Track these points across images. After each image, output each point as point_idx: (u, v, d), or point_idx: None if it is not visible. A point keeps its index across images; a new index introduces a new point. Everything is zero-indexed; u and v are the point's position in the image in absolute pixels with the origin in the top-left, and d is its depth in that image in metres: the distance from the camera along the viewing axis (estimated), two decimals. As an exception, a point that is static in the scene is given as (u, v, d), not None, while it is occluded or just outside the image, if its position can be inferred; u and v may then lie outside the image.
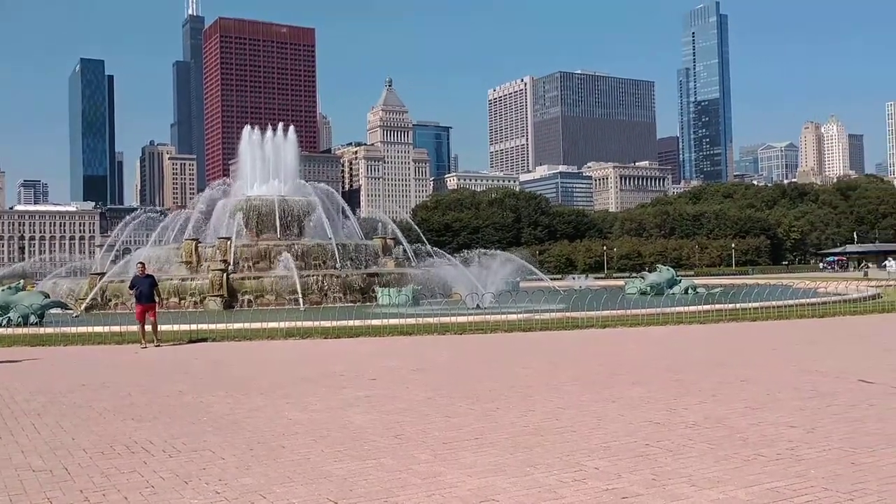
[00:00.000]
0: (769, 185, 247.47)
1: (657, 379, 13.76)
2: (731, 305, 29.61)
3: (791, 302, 32.09)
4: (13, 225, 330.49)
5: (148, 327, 22.25)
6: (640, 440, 8.93)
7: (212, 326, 25.73)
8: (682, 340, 21.31)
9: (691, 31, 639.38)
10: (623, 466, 7.76)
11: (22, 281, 36.60)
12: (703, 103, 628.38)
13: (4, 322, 29.60)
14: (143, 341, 21.89)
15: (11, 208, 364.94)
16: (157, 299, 23.26)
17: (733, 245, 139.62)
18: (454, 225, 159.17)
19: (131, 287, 24.02)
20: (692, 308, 29.88)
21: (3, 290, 32.17)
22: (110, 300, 43.22)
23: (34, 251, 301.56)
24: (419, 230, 71.61)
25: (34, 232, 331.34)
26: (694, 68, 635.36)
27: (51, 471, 8.11)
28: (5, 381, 15.63)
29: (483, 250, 49.96)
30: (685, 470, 7.57)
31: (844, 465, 7.66)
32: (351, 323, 25.78)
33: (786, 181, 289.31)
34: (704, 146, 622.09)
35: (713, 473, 7.42)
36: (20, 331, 27.02)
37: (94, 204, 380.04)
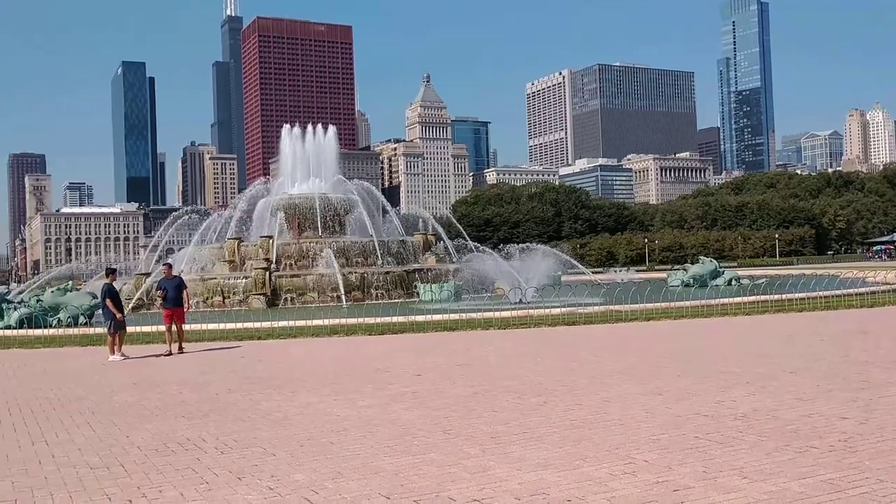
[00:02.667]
0: (813, 174, 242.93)
1: (704, 371, 13.63)
2: (776, 296, 29.16)
3: (838, 292, 31.53)
4: (60, 227, 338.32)
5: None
6: (690, 433, 8.87)
7: (257, 325, 26.06)
8: (727, 332, 21.05)
9: (731, 21, 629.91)
10: (673, 459, 7.71)
11: (70, 282, 37.37)
12: (744, 93, 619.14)
13: (55, 322, 30.26)
14: (168, 346, 20.46)
15: (58, 211, 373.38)
16: (185, 303, 21.36)
17: (777, 235, 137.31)
18: (494, 220, 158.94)
19: (157, 289, 22.31)
20: (737, 299, 29.57)
21: (52, 292, 32.92)
22: (155, 300, 43.96)
23: (80, 253, 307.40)
24: (459, 226, 71.68)
25: (80, 234, 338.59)
26: (734, 58, 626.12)
27: (107, 467, 8.30)
28: (58, 382, 16.01)
29: (524, 244, 49.82)
30: (736, 462, 7.50)
31: (900, 457, 7.52)
32: (394, 319, 25.90)
33: (830, 170, 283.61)
34: (746, 136, 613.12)
35: (765, 466, 7.34)
36: (71, 331, 27.64)
37: (137, 205, 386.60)
